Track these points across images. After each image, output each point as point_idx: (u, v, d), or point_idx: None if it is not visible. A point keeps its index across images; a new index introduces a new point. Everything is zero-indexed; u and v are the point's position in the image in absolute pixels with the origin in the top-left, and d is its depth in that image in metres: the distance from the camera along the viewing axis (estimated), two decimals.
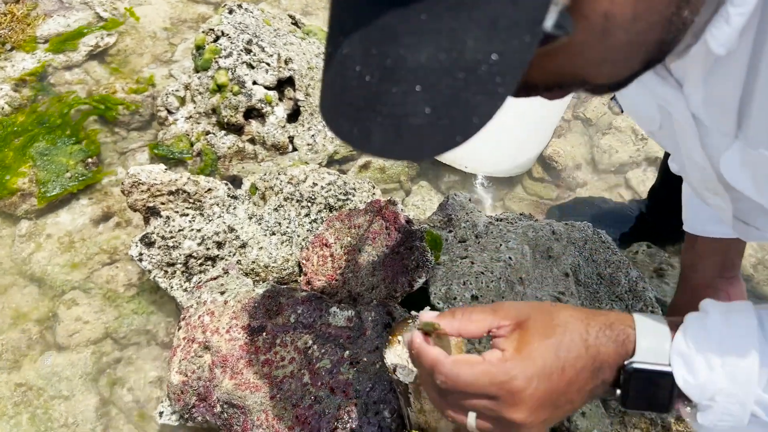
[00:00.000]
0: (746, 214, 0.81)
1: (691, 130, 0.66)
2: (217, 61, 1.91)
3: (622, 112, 2.17)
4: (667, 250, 1.81)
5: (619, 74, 0.54)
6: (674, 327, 0.66)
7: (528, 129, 1.81)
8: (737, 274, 1.09)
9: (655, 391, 0.65)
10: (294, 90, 1.95)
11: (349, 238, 1.41)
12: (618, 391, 0.66)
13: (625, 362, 0.65)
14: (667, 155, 1.69)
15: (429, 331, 0.72)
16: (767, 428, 0.65)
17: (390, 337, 0.93)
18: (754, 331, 0.62)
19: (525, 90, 0.54)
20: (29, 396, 1.47)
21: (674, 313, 1.07)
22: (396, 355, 0.92)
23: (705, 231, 1.07)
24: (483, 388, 0.63)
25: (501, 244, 1.30)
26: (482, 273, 1.21)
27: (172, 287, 1.48)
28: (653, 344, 0.64)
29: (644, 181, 2.04)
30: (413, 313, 0.94)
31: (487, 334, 0.68)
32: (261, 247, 1.50)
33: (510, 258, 1.27)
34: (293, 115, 1.95)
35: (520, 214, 1.54)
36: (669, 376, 0.64)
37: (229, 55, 1.90)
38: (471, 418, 0.67)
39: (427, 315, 0.74)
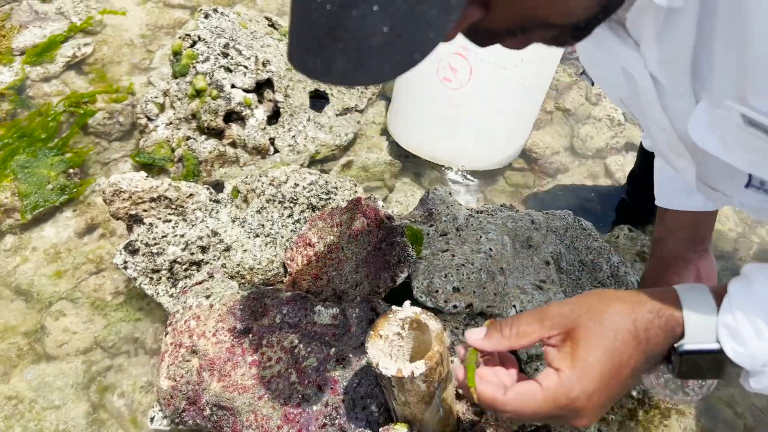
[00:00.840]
0: (711, 177, 0.83)
1: (651, 91, 0.68)
2: (194, 66, 1.91)
3: (593, 84, 2.19)
4: (647, 232, 1.83)
5: (576, 12, 0.55)
6: (719, 297, 0.66)
7: (509, 123, 1.83)
8: (707, 248, 1.11)
9: (707, 365, 0.66)
10: (273, 92, 1.96)
11: (332, 237, 1.42)
12: (670, 366, 0.68)
13: (675, 345, 0.66)
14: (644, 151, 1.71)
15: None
16: None
17: (371, 332, 0.95)
18: None
19: (489, 37, 0.55)
20: (20, 408, 1.48)
21: (644, 285, 1.08)
22: (378, 349, 0.93)
23: (675, 204, 1.08)
24: (548, 413, 0.64)
25: (481, 236, 1.31)
26: (463, 265, 1.23)
27: (158, 293, 1.49)
28: (700, 321, 0.65)
29: (623, 166, 2.06)
30: (394, 307, 0.96)
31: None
32: (245, 250, 1.51)
33: (490, 249, 1.29)
34: (273, 117, 1.96)
35: (501, 205, 1.56)
36: (719, 351, 0.65)
37: (207, 59, 1.91)
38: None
39: (474, 334, 0.74)
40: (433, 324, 0.93)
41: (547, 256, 1.38)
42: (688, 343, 0.65)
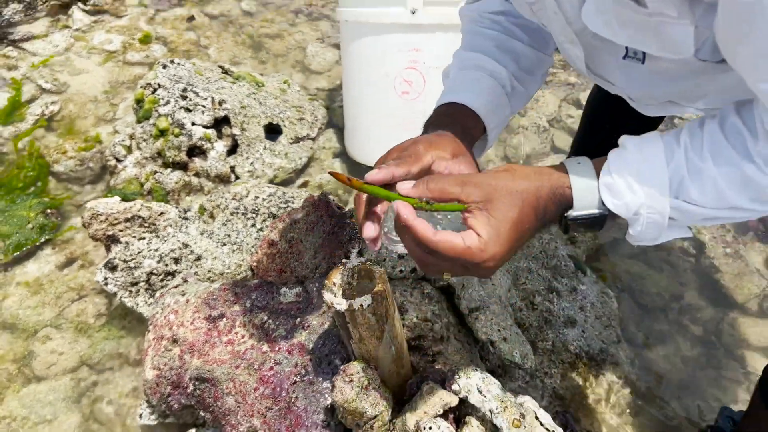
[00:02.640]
0: (596, 62, 0.99)
1: None
2: (156, 110, 2.11)
3: None
4: None
5: None
6: (599, 167, 0.82)
7: None
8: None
9: (590, 224, 0.83)
10: (230, 127, 2.16)
11: (291, 234, 1.59)
12: (559, 227, 0.85)
13: (566, 214, 0.82)
14: (575, 142, 1.92)
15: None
16: (682, 229, 0.83)
17: (326, 281, 1.11)
18: (661, 153, 0.78)
19: None
20: (14, 426, 1.58)
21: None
22: (332, 294, 1.10)
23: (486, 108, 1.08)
24: (462, 265, 0.76)
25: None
26: None
27: (138, 305, 1.63)
28: (584, 186, 0.80)
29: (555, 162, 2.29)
30: (344, 260, 1.13)
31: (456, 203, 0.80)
32: (215, 257, 1.67)
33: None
34: (232, 149, 2.15)
35: None
36: (599, 215, 0.81)
37: (167, 102, 2.11)
38: (447, 275, 0.83)
39: (404, 185, 0.80)
40: (377, 268, 1.10)
41: None
42: (576, 210, 0.82)
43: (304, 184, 2.12)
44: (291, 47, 2.75)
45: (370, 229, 0.85)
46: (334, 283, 1.12)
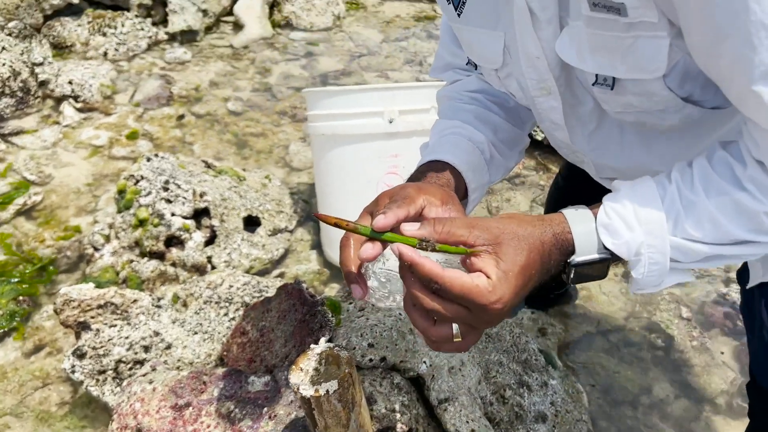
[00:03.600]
0: (565, 114, 1.01)
1: (526, 18, 0.87)
2: (138, 200, 2.15)
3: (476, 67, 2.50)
4: (548, 313, 2.07)
5: None
6: (596, 210, 0.83)
7: None
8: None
9: (594, 271, 0.83)
10: (210, 218, 2.20)
11: (263, 322, 1.60)
12: (564, 276, 0.84)
13: (569, 260, 0.82)
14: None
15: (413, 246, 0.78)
16: (684, 273, 0.82)
17: (293, 366, 1.12)
18: (655, 192, 0.79)
19: None
20: None
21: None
22: (299, 378, 1.10)
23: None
24: (468, 303, 0.73)
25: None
26: (376, 325, 1.43)
27: (103, 393, 1.60)
28: (584, 230, 0.81)
29: None
30: (312, 345, 1.14)
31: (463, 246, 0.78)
32: (185, 346, 1.67)
33: (400, 314, 1.49)
34: (210, 240, 2.18)
35: None
36: (602, 260, 0.80)
37: (149, 193, 2.16)
38: (456, 333, 0.79)
39: (409, 225, 0.78)
40: (344, 353, 1.11)
41: None
42: (579, 256, 0.82)
43: (281, 275, 2.14)
44: (274, 145, 2.85)
45: (357, 279, 0.82)
46: (301, 369, 1.13)
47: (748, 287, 1.11)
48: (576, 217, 0.82)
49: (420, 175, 1.01)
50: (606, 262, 0.82)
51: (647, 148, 1.03)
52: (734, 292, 2.05)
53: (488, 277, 0.74)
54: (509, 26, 0.93)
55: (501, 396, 1.62)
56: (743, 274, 1.24)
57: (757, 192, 0.73)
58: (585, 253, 0.81)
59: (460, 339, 0.78)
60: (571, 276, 0.83)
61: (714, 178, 0.77)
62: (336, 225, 0.78)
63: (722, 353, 1.93)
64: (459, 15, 1.01)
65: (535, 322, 2.01)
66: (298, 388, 1.08)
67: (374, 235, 0.77)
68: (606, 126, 1.02)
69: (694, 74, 0.82)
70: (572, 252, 0.82)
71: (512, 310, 0.79)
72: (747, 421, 1.34)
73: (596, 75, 0.87)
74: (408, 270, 0.74)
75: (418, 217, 0.82)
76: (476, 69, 1.10)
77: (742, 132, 0.76)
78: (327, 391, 1.05)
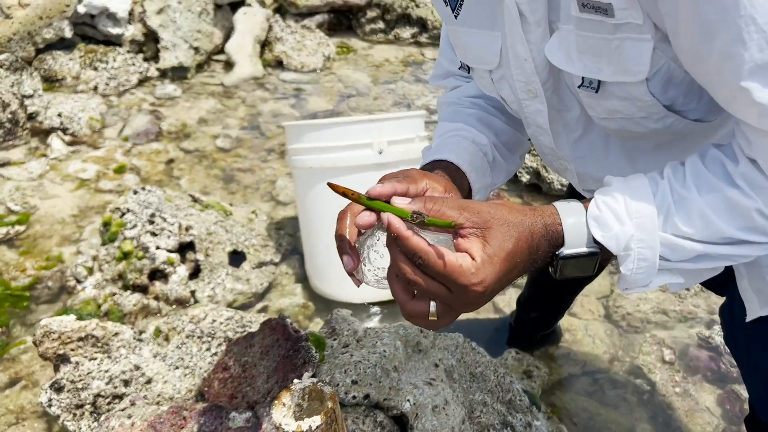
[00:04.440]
0: (551, 120, 1.02)
1: (516, 20, 0.88)
2: (123, 233, 2.14)
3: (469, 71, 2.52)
4: (533, 354, 2.07)
5: None
6: (588, 204, 0.81)
7: None
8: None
9: (582, 266, 0.82)
10: (195, 252, 2.20)
11: (246, 358, 1.58)
12: (551, 269, 0.83)
13: (557, 252, 0.81)
14: (533, 280, 1.97)
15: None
16: (673, 274, 0.81)
17: (276, 401, 1.11)
18: (647, 186, 0.78)
19: None
20: None
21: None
22: (281, 413, 1.09)
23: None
24: (450, 281, 0.73)
25: (376, 341, 1.52)
26: (360, 362, 1.42)
27: (80, 428, 1.57)
28: (574, 222, 0.80)
29: (510, 302, 2.35)
30: (295, 380, 1.13)
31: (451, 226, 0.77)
32: (165, 381, 1.64)
33: (384, 351, 1.49)
34: (194, 273, 2.17)
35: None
36: (590, 254, 0.79)
37: (134, 226, 2.15)
38: (432, 311, 0.78)
39: (400, 200, 0.78)
40: (328, 388, 1.10)
41: (435, 359, 1.58)
42: (567, 248, 0.81)
43: (264, 309, 2.13)
44: (261, 180, 2.87)
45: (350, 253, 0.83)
46: (284, 404, 1.11)
47: (747, 320, 1.10)
48: (567, 210, 0.82)
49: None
50: (594, 258, 0.81)
51: (631, 160, 1.04)
52: (717, 335, 2.06)
53: (473, 258, 0.74)
54: (504, 27, 0.95)
55: None
56: (725, 310, 1.25)
57: (748, 188, 0.73)
58: (574, 246, 0.81)
59: (435, 318, 0.78)
60: (558, 269, 0.83)
61: (706, 174, 0.77)
62: (344, 194, 0.80)
63: (705, 400, 1.93)
64: (456, 17, 1.02)
65: (520, 362, 2.01)
66: (280, 424, 1.07)
67: (370, 204, 0.78)
68: (592, 134, 1.04)
69: (677, 81, 0.83)
70: (561, 244, 0.81)
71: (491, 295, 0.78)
72: None
73: (582, 78, 0.88)
74: (394, 242, 0.75)
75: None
76: (469, 72, 1.11)
77: (735, 132, 0.76)
78: (310, 426, 1.04)
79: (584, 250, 0.81)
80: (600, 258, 0.81)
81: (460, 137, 1.11)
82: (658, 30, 0.76)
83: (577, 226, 0.80)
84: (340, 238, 0.84)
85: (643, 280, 0.80)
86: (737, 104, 0.72)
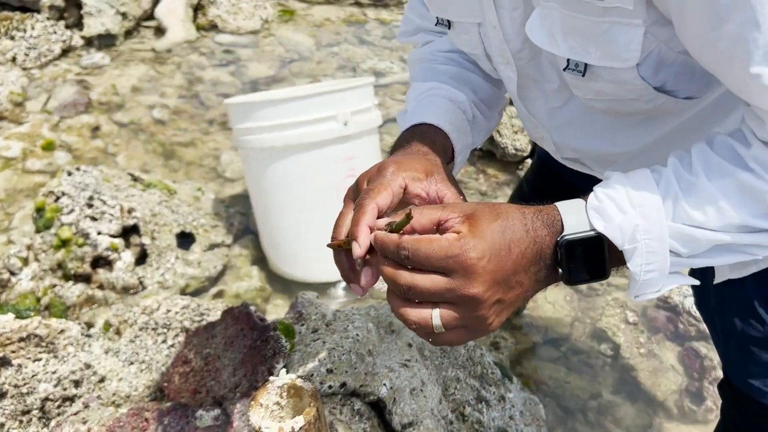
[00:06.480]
0: (526, 96, 0.98)
1: None
2: (59, 219, 1.98)
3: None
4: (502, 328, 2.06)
5: None
6: (587, 198, 0.76)
7: None
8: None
9: (590, 257, 0.73)
10: (140, 236, 2.06)
11: (208, 350, 1.48)
12: (560, 270, 0.74)
13: (558, 239, 0.73)
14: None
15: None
16: (686, 276, 0.76)
17: (252, 402, 1.03)
18: (649, 177, 0.73)
19: None
20: None
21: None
22: (259, 416, 1.01)
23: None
24: (440, 261, 0.68)
25: (348, 325, 1.45)
26: (334, 349, 1.35)
27: None
28: (575, 216, 0.73)
29: None
30: (271, 378, 1.05)
31: (438, 227, 0.73)
32: (120, 378, 1.53)
33: (357, 335, 1.42)
34: (141, 259, 2.03)
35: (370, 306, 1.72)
36: (597, 239, 0.72)
37: (72, 211, 1.99)
38: (435, 317, 0.72)
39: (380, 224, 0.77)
40: (308, 385, 1.03)
41: (408, 338, 1.53)
42: (568, 235, 0.73)
43: (219, 294, 2.02)
44: (204, 155, 2.71)
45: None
46: (261, 404, 1.04)
47: (715, 282, 1.07)
48: (565, 204, 0.75)
49: (403, 142, 0.95)
50: (600, 250, 0.73)
51: (611, 134, 1.00)
52: (675, 295, 2.10)
53: (459, 233, 0.70)
54: None
55: (461, 414, 1.57)
56: (695, 275, 1.23)
57: (762, 171, 0.68)
58: (575, 230, 0.73)
59: (443, 330, 0.71)
60: (563, 260, 0.73)
61: (715, 159, 0.72)
62: (339, 247, 0.80)
63: (668, 358, 1.97)
64: None
65: (488, 335, 1.99)
66: (260, 427, 0.99)
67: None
68: (572, 106, 0.99)
69: (668, 63, 0.79)
70: (560, 232, 0.73)
71: (512, 305, 0.72)
72: (698, 424, 1.34)
73: (568, 60, 0.83)
74: (381, 254, 0.73)
75: (402, 196, 0.82)
76: (449, 28, 1.02)
77: (744, 117, 0.72)
78: (293, 428, 0.97)
79: (588, 232, 0.73)
80: (608, 251, 0.74)
81: (438, 97, 1.04)
82: (650, 14, 0.71)
83: (576, 211, 0.74)
84: (342, 273, 0.84)
85: (654, 282, 0.74)
86: (750, 90, 0.67)
